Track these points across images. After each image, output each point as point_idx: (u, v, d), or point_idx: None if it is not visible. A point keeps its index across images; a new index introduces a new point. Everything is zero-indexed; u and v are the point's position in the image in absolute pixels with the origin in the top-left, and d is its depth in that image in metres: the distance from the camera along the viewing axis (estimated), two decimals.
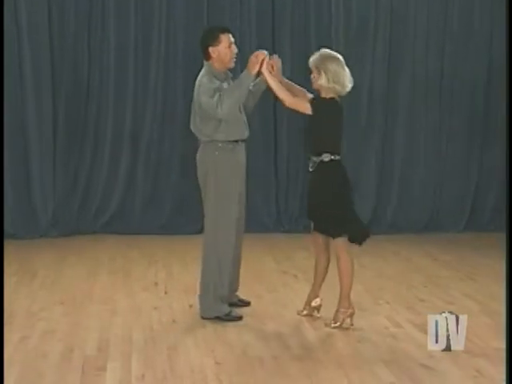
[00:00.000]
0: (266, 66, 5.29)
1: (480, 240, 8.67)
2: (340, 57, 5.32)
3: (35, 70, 8.29)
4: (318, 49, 5.47)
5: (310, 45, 8.49)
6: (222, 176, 5.39)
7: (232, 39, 5.42)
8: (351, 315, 5.34)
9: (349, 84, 5.31)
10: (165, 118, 8.73)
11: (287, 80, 5.61)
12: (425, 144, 9.09)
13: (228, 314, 5.44)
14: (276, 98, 5.48)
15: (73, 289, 6.31)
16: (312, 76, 5.34)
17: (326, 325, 5.33)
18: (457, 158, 9.14)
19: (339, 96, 5.36)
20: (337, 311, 5.34)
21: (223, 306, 5.46)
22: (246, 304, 5.80)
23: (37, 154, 8.40)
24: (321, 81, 5.25)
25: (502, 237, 8.56)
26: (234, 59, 5.45)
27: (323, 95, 5.33)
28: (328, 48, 5.18)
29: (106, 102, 8.59)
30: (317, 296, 5.58)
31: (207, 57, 5.43)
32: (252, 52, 5.39)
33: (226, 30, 5.45)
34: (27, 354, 4.72)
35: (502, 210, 9.13)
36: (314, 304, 5.58)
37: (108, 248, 7.96)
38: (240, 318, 5.47)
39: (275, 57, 5.44)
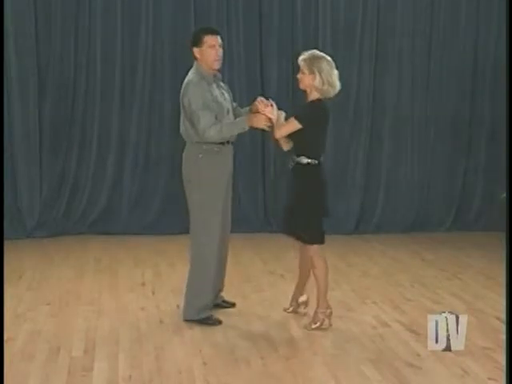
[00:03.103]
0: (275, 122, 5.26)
1: (466, 239, 8.70)
2: (329, 58, 5.30)
3: (21, 72, 8.24)
4: (305, 49, 5.42)
5: (298, 45, 8.50)
6: (206, 181, 5.31)
7: (219, 41, 5.36)
8: (329, 315, 5.35)
9: (338, 86, 5.28)
10: (152, 119, 8.71)
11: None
12: (411, 144, 9.11)
13: (209, 318, 5.40)
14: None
15: (59, 289, 6.29)
16: (299, 76, 5.27)
17: (306, 327, 5.32)
18: (443, 157, 9.17)
19: (327, 98, 5.30)
20: (315, 312, 5.35)
21: (204, 312, 5.41)
22: (231, 305, 5.79)
23: (23, 154, 8.36)
24: (314, 81, 5.18)
25: (488, 236, 8.65)
26: (219, 61, 5.40)
27: (311, 97, 5.28)
28: (315, 48, 5.16)
29: (93, 103, 8.56)
30: (302, 294, 5.62)
31: (194, 57, 5.42)
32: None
33: (210, 32, 5.39)
34: (13, 355, 4.70)
35: (487, 209, 9.19)
36: (301, 300, 5.63)
37: (95, 248, 7.94)
38: (220, 322, 5.41)
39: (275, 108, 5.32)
